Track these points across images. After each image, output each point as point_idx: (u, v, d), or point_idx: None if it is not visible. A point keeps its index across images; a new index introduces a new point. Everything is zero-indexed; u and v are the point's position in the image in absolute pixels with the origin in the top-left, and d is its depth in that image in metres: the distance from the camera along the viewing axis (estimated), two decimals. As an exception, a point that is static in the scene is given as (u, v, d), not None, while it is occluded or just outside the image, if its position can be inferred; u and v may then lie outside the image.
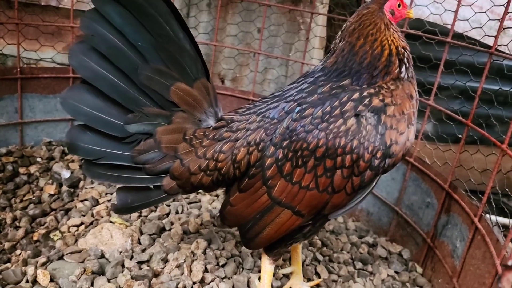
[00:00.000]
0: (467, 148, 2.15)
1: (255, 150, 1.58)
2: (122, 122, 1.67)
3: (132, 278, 1.84)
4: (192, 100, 1.68)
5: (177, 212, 2.44)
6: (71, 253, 1.97)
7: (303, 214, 1.57)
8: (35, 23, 2.91)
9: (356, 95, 1.50)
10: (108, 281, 1.84)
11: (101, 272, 1.89)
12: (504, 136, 1.78)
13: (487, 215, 1.93)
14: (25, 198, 2.43)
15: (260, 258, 2.11)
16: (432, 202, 2.31)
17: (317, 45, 3.49)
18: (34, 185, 2.54)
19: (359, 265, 2.27)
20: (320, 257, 2.24)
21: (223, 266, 2.02)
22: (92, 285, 1.81)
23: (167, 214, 2.41)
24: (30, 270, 1.85)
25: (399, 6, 1.64)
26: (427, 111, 2.34)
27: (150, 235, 2.16)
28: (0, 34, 2.86)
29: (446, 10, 2.27)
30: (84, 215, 2.31)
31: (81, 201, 2.44)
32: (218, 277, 1.93)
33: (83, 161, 1.74)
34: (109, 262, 1.95)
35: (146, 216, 2.34)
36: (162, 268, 1.94)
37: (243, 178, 1.62)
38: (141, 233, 2.18)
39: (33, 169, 2.64)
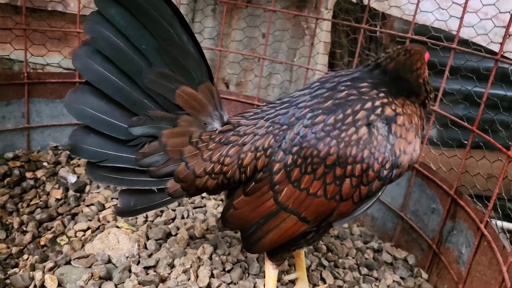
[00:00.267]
0: (472, 154, 2.15)
1: (262, 155, 1.58)
2: (127, 125, 1.67)
3: (139, 283, 1.85)
4: (197, 103, 1.68)
5: (182, 217, 2.45)
6: (79, 258, 1.98)
7: (309, 220, 1.57)
8: (42, 29, 2.93)
9: (368, 104, 1.53)
10: (116, 286, 1.85)
11: (108, 277, 1.90)
12: (510, 143, 1.79)
13: (493, 221, 1.93)
14: (32, 202, 2.44)
15: (266, 264, 2.12)
16: (437, 208, 2.31)
17: (321, 50, 3.50)
18: (40, 189, 2.55)
19: (364, 270, 2.27)
20: (326, 263, 2.25)
21: (229, 271, 2.02)
22: (99, 290, 1.82)
23: (173, 219, 2.42)
24: (38, 275, 1.86)
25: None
26: (432, 117, 2.34)
27: (156, 240, 2.17)
28: (7, 39, 2.88)
29: (451, 16, 2.28)
30: (90, 220, 2.32)
31: (88, 205, 2.45)
32: (224, 282, 1.94)
33: (86, 163, 1.74)
34: (116, 267, 1.96)
35: (152, 221, 2.35)
36: (169, 274, 1.95)
37: (249, 182, 1.62)
38: (148, 238, 2.19)
39: (39, 173, 2.65)
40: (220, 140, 1.67)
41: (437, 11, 2.40)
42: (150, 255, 2.06)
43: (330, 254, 2.34)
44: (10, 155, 2.74)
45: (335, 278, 2.16)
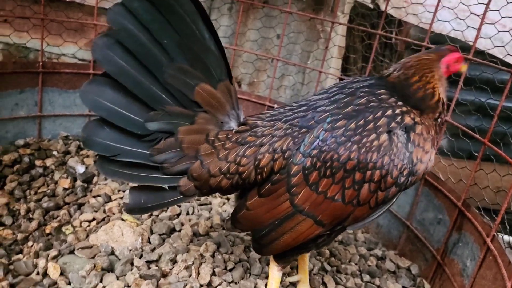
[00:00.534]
0: (482, 166, 2.13)
1: (280, 157, 1.57)
2: (143, 120, 1.65)
3: (141, 277, 1.85)
4: (215, 101, 1.66)
5: (187, 214, 2.45)
6: (82, 248, 2.00)
7: (324, 224, 1.57)
8: (59, 19, 2.96)
9: (389, 111, 1.54)
10: (117, 278, 1.86)
11: (110, 269, 1.91)
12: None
13: (500, 235, 1.91)
14: (40, 190, 2.47)
15: (267, 265, 2.11)
16: (444, 218, 2.29)
17: (335, 54, 3.49)
18: (49, 178, 2.58)
19: (366, 277, 2.25)
20: (328, 267, 2.24)
21: (230, 270, 2.02)
22: (101, 281, 1.84)
23: (178, 215, 2.42)
24: (41, 262, 1.88)
25: (456, 61, 1.71)
26: (444, 127, 2.32)
27: (160, 235, 2.18)
28: (24, 28, 2.91)
29: (468, 26, 2.25)
30: (96, 211, 2.34)
31: (94, 196, 2.47)
32: (225, 281, 1.94)
33: (97, 157, 1.73)
34: (119, 259, 1.97)
35: (157, 216, 2.36)
36: (171, 269, 1.96)
37: (264, 183, 1.61)
38: (152, 232, 2.20)
39: (49, 162, 2.68)
40: (236, 140, 1.65)
41: (454, 20, 2.38)
42: (153, 250, 2.07)
43: (333, 259, 2.33)
44: (21, 142, 2.77)
45: (337, 283, 2.15)
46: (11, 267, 1.89)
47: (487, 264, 1.89)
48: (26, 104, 2.82)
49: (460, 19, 2.32)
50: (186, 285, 1.85)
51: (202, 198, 2.64)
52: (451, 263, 2.18)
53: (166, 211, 2.42)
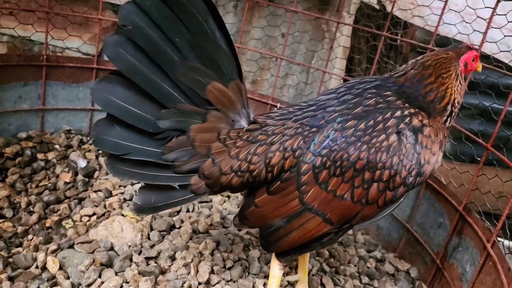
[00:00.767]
0: (484, 170, 2.12)
1: (291, 156, 1.59)
2: (154, 118, 1.65)
3: (139, 273, 1.86)
4: (226, 100, 1.66)
5: (187, 211, 2.45)
6: (82, 242, 2.00)
7: (333, 222, 1.59)
8: (64, 13, 2.96)
9: (398, 113, 1.56)
10: (116, 274, 1.86)
11: (109, 264, 1.91)
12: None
13: (500, 241, 1.90)
14: (41, 184, 2.47)
15: (266, 264, 2.11)
16: (444, 223, 2.28)
17: (340, 54, 3.48)
18: (50, 171, 2.58)
19: (365, 279, 2.25)
20: (327, 268, 2.24)
21: (229, 269, 2.02)
22: (99, 276, 1.84)
23: (178, 212, 2.42)
24: (40, 256, 1.88)
25: (473, 60, 1.73)
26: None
27: (160, 231, 2.18)
28: (29, 21, 2.91)
29: (474, 30, 2.24)
30: (96, 206, 2.34)
31: (95, 191, 2.48)
32: (224, 279, 1.94)
33: (107, 156, 1.72)
34: (118, 255, 1.97)
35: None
36: (169, 266, 1.96)
37: (274, 181, 1.63)
38: (151, 229, 2.20)
39: (50, 155, 2.68)
40: (247, 138, 1.67)
41: (460, 24, 2.36)
42: (152, 246, 2.07)
43: (332, 260, 2.33)
44: (23, 135, 2.77)
45: (335, 284, 2.14)
46: (11, 260, 1.89)
47: (487, 269, 1.89)
48: (29, 97, 2.82)
49: (467, 22, 2.31)
50: (184, 282, 1.85)
51: (203, 195, 2.64)
52: (451, 268, 2.17)
53: (167, 207, 2.42)
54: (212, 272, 1.96)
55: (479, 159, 2.09)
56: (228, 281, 1.95)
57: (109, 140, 1.66)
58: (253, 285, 1.96)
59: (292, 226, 1.62)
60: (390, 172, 1.52)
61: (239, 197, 2.76)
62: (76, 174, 2.59)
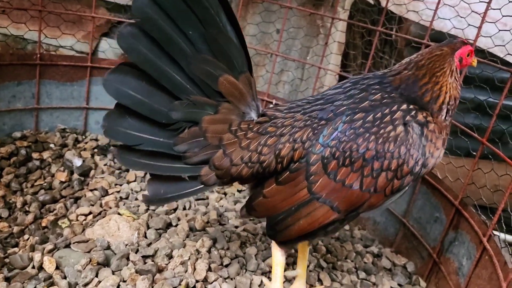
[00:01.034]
0: (480, 164, 2.12)
1: (300, 147, 1.63)
2: (167, 109, 1.67)
3: (136, 272, 1.85)
4: (237, 92, 1.68)
5: (184, 208, 2.45)
6: (78, 242, 1.99)
7: (340, 210, 1.64)
8: (57, 11, 2.93)
9: (404, 106, 1.63)
10: (113, 273, 1.85)
11: (106, 263, 1.91)
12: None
13: (496, 235, 1.91)
14: (36, 183, 2.46)
15: (264, 261, 2.11)
16: (440, 217, 2.29)
17: (335, 50, 3.47)
18: (46, 171, 2.57)
19: (362, 274, 2.26)
20: (324, 264, 2.24)
21: (226, 266, 2.02)
22: (96, 276, 1.83)
23: (175, 210, 2.42)
24: (37, 256, 1.87)
25: (468, 55, 1.75)
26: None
27: (156, 229, 2.18)
28: (22, 19, 2.89)
29: (469, 25, 2.24)
30: (93, 205, 2.33)
31: (91, 190, 2.47)
32: (221, 277, 1.94)
33: (118, 148, 1.73)
34: (115, 254, 1.97)
35: (154, 210, 2.35)
36: (166, 264, 1.95)
37: (283, 172, 1.67)
38: (148, 227, 2.19)
39: (46, 155, 2.67)
40: (258, 130, 1.70)
41: (455, 18, 2.36)
42: (149, 244, 2.06)
43: (329, 255, 2.33)
44: (18, 134, 2.76)
45: (333, 280, 2.15)
46: (7, 260, 1.88)
47: (483, 263, 1.90)
48: (23, 96, 2.80)
49: (461, 17, 2.31)
50: (181, 280, 1.85)
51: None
52: (447, 262, 2.18)
53: (163, 205, 2.41)
54: (209, 269, 1.96)
55: (474, 153, 2.09)
56: (225, 279, 1.95)
57: (121, 130, 1.68)
58: (250, 282, 1.96)
59: (300, 215, 1.66)
60: (398, 162, 1.58)
61: (235, 194, 2.76)
62: (71, 173, 2.58)
